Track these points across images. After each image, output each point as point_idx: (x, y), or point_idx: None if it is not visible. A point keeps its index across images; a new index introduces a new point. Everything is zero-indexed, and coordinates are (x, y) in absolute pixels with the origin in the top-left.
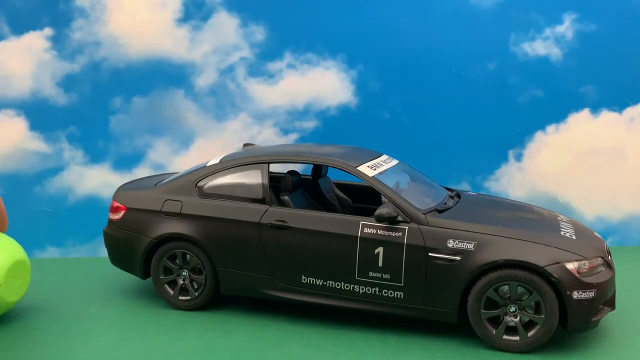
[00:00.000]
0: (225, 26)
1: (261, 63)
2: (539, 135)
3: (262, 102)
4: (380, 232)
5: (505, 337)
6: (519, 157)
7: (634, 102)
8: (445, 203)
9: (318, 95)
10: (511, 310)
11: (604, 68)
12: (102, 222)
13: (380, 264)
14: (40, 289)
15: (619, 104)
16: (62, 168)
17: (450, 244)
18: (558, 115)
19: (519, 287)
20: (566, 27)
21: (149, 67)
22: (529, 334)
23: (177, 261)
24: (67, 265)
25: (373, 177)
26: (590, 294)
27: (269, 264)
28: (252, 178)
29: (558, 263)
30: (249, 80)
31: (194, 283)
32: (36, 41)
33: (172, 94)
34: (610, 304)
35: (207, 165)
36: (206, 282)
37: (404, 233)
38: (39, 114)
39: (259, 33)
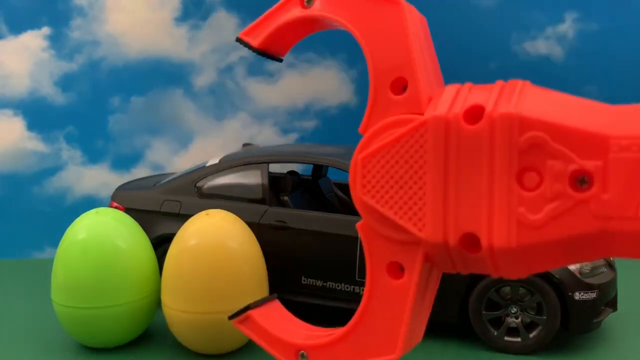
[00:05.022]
0: (224, 25)
1: (261, 62)
2: None
3: (262, 101)
4: None
5: (506, 338)
6: None
7: (635, 102)
8: None
9: (318, 95)
10: (512, 312)
11: (606, 67)
12: None
13: None
14: (40, 289)
15: (619, 104)
16: (60, 168)
17: None
18: None
19: (521, 288)
20: (568, 27)
21: (148, 67)
22: (531, 335)
23: None
24: None
25: None
26: (592, 295)
27: (269, 265)
28: (252, 178)
29: None
30: (249, 79)
31: None
32: (34, 40)
33: (171, 93)
34: (612, 305)
35: (207, 165)
36: None
37: None
38: (36, 113)
39: None
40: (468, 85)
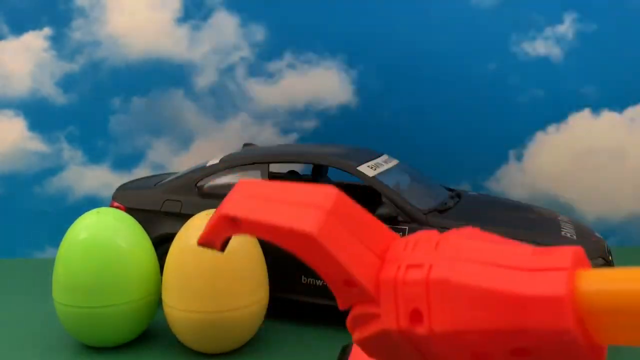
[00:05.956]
0: (225, 26)
1: (261, 63)
2: (539, 135)
3: (262, 102)
4: None
5: None
6: (519, 157)
7: (635, 102)
8: (446, 203)
9: (318, 95)
10: None
11: (605, 68)
12: None
13: None
14: (41, 288)
15: (619, 104)
16: (61, 168)
17: None
18: (558, 115)
19: None
20: (567, 27)
21: (149, 67)
22: None
23: None
24: None
25: (373, 177)
26: None
27: (269, 265)
28: (252, 178)
29: None
30: (249, 80)
31: None
32: (35, 41)
33: (172, 93)
34: None
35: (207, 165)
36: None
37: (404, 233)
38: (38, 114)
39: (259, 33)
40: (403, 267)
